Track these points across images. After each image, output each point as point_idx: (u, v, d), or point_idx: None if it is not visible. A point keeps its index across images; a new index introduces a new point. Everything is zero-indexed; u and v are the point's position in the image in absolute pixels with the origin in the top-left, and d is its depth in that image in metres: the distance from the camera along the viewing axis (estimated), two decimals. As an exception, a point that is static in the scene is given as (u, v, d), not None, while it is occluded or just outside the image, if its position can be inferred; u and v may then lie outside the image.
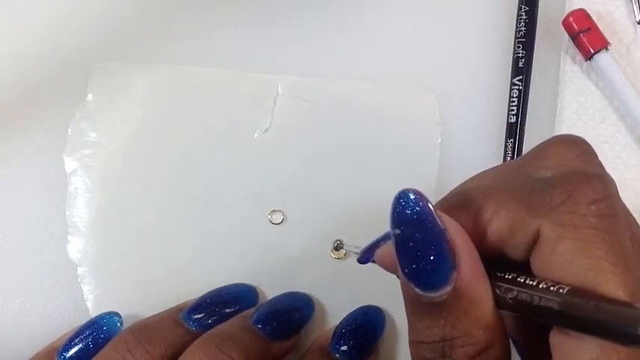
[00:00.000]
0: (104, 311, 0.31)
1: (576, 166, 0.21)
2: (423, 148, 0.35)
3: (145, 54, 0.36)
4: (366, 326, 0.32)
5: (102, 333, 0.30)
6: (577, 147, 0.22)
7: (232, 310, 0.31)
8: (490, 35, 0.38)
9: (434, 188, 0.34)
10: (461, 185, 0.24)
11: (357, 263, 0.30)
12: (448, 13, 0.38)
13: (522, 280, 0.20)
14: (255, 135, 0.35)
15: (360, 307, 0.33)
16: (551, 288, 0.19)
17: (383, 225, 0.33)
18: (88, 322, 0.31)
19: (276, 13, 0.37)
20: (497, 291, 0.21)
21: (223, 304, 0.31)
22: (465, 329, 0.21)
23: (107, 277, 0.33)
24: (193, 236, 0.34)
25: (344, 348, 0.31)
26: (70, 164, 0.34)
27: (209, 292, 0.32)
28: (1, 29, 0.36)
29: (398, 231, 0.20)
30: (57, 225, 0.33)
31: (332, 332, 0.32)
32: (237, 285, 0.33)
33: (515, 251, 0.21)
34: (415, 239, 0.20)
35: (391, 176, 0.35)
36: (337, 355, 0.31)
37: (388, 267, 0.23)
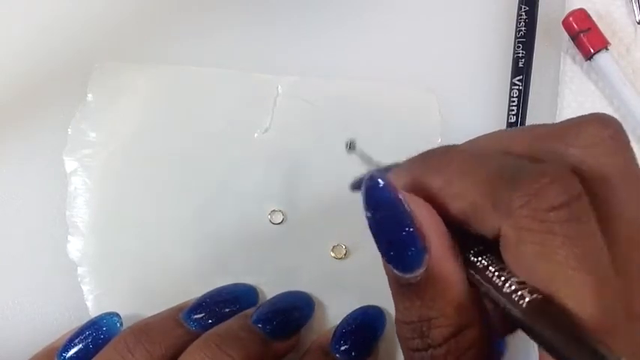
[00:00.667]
0: (104, 311, 0.31)
1: (558, 160, 0.21)
2: (423, 148, 0.35)
3: (145, 54, 0.36)
4: (366, 326, 0.32)
5: (102, 333, 0.30)
6: (610, 127, 0.21)
7: (232, 309, 0.31)
8: (490, 35, 0.38)
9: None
10: (445, 147, 0.24)
11: (357, 263, 0.30)
12: (448, 13, 0.38)
13: (491, 275, 0.20)
14: (255, 135, 0.35)
15: (360, 307, 0.33)
16: (514, 296, 0.19)
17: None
18: (88, 322, 0.31)
19: (276, 13, 0.37)
20: (470, 276, 0.21)
21: (223, 303, 0.32)
22: (440, 310, 0.21)
23: (107, 277, 0.33)
24: (193, 236, 0.34)
25: (344, 348, 0.31)
26: (70, 164, 0.34)
27: (209, 292, 0.32)
28: (1, 29, 0.36)
29: (369, 214, 0.21)
30: (57, 225, 0.33)
31: (332, 332, 0.32)
32: (236, 285, 0.33)
33: (483, 233, 0.21)
34: (384, 223, 0.21)
35: (391, 176, 0.35)
36: (337, 355, 0.31)
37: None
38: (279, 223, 0.34)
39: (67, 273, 0.33)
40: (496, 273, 0.20)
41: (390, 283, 0.22)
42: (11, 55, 0.35)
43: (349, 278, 0.34)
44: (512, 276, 0.20)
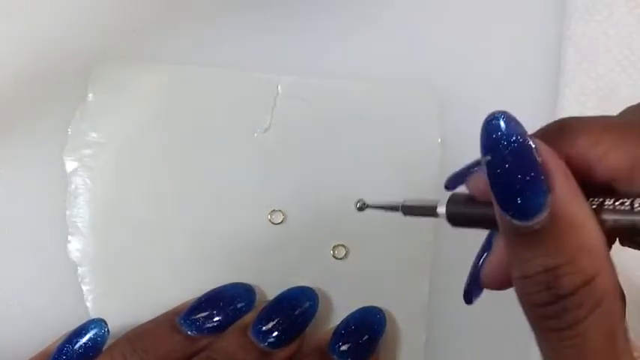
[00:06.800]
0: (104, 312, 0.31)
1: None
2: (423, 148, 0.35)
3: (145, 54, 0.36)
4: (366, 326, 0.32)
5: (89, 341, 0.30)
6: None
7: (230, 309, 0.31)
8: (490, 34, 0.37)
9: (434, 188, 0.34)
10: (573, 117, 0.23)
11: (357, 263, 0.29)
12: (448, 13, 0.38)
13: (620, 206, 0.20)
14: (255, 135, 0.35)
15: (360, 307, 0.33)
16: None
17: (383, 224, 0.33)
18: (76, 329, 0.30)
19: (277, 13, 0.37)
20: (600, 216, 0.20)
21: (221, 305, 0.31)
22: (569, 255, 0.19)
23: (107, 277, 0.33)
24: (193, 236, 0.34)
25: (343, 348, 0.31)
26: (70, 164, 0.34)
27: (206, 294, 0.32)
28: (1, 29, 0.36)
29: (488, 157, 0.20)
30: (57, 225, 0.33)
31: (331, 333, 0.32)
32: (234, 285, 0.33)
33: (631, 188, 0.20)
34: (506, 164, 0.19)
35: (391, 176, 0.35)
36: (335, 356, 0.31)
37: (482, 195, 0.22)
38: (279, 223, 0.34)
39: (67, 273, 0.33)
40: (625, 202, 0.20)
41: (505, 236, 0.20)
42: (11, 55, 0.35)
43: (349, 278, 0.34)
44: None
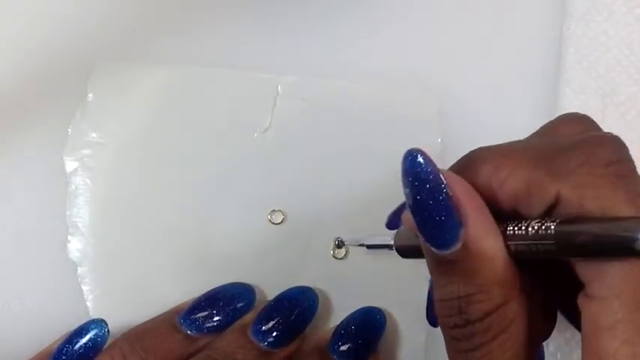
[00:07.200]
0: (103, 312, 0.31)
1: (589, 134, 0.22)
2: (423, 148, 0.35)
3: (145, 54, 0.36)
4: (366, 327, 0.32)
5: (89, 341, 0.30)
6: (582, 123, 0.23)
7: (230, 309, 0.31)
8: (490, 35, 0.37)
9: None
10: (481, 147, 0.24)
11: (357, 263, 0.30)
12: (448, 14, 0.38)
13: (517, 231, 0.21)
14: (255, 135, 0.35)
15: (360, 308, 0.33)
16: (543, 227, 0.20)
17: (383, 225, 0.33)
18: (76, 329, 0.30)
19: (276, 12, 0.37)
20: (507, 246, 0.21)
21: (220, 304, 0.31)
22: (479, 286, 0.21)
23: (107, 277, 0.33)
24: (193, 236, 0.34)
25: (343, 348, 0.31)
26: (70, 164, 0.34)
27: (205, 293, 0.32)
28: (1, 29, 0.36)
29: (407, 190, 0.21)
30: (57, 225, 0.33)
31: (330, 333, 0.32)
32: (233, 284, 0.33)
33: (530, 211, 0.21)
34: (421, 198, 0.21)
35: (391, 176, 0.35)
36: (335, 356, 0.31)
37: (413, 229, 0.23)
38: (279, 223, 0.34)
39: (67, 273, 0.33)
40: (521, 227, 0.20)
41: (428, 262, 0.22)
42: (11, 54, 0.35)
43: (349, 278, 0.34)
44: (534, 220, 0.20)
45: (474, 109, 0.36)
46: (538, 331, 0.23)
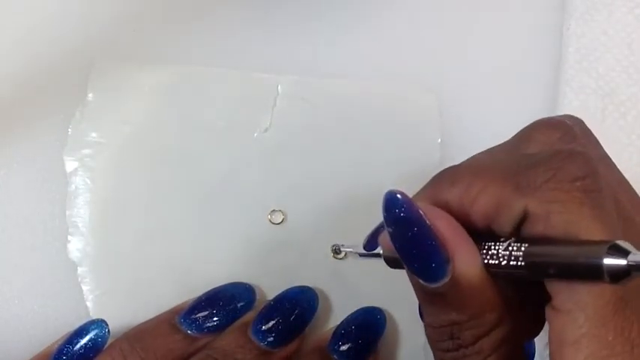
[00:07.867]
0: (103, 312, 0.31)
1: (560, 146, 0.22)
2: (423, 148, 0.35)
3: (145, 54, 0.36)
4: (366, 327, 0.32)
5: (90, 342, 0.30)
6: (558, 130, 0.23)
7: (230, 309, 0.31)
8: (491, 36, 0.38)
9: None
10: (452, 166, 0.24)
11: (357, 263, 0.30)
12: (448, 13, 0.38)
13: (488, 253, 0.21)
14: (255, 135, 0.35)
15: (360, 308, 0.33)
16: (511, 247, 0.20)
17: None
18: (77, 329, 0.30)
19: (277, 13, 0.37)
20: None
21: (220, 304, 0.31)
22: (470, 314, 0.21)
23: (107, 277, 0.33)
24: (193, 236, 0.34)
25: (343, 348, 0.31)
26: (70, 164, 0.34)
27: (205, 293, 0.32)
28: (1, 29, 0.36)
29: (390, 229, 0.21)
30: (57, 225, 0.33)
31: (330, 333, 0.32)
32: (233, 284, 0.33)
33: (501, 228, 0.21)
34: (406, 238, 0.21)
35: (391, 176, 0.35)
36: (335, 356, 0.31)
37: (392, 252, 0.23)
38: (279, 223, 0.34)
39: (67, 273, 0.33)
40: (493, 253, 0.21)
41: (415, 291, 0.22)
42: (11, 54, 0.35)
43: (349, 278, 0.34)
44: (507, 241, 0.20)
45: (474, 109, 0.37)
46: (529, 333, 0.23)
